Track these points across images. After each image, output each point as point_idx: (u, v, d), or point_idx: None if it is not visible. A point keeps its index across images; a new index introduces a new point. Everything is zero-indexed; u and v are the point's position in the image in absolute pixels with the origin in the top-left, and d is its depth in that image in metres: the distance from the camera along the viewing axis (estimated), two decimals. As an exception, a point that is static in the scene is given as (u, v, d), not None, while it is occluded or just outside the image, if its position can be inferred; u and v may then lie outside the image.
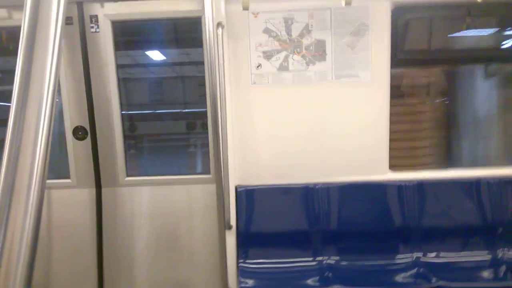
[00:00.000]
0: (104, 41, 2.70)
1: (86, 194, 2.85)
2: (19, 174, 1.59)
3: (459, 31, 3.01)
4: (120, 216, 2.87)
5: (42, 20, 1.77)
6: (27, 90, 1.68)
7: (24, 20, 1.75)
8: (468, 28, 3.00)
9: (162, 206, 2.85)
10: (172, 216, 2.85)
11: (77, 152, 2.80)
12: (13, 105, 1.67)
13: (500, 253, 2.62)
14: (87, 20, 2.67)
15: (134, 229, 2.87)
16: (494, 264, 2.55)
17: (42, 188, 1.63)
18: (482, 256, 2.61)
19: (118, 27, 2.74)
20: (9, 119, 1.66)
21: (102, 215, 2.85)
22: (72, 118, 2.77)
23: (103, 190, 2.84)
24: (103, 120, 2.78)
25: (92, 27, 2.68)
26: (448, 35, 3.06)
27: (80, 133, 2.78)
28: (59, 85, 2.69)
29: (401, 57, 2.77)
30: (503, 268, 2.50)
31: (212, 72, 2.42)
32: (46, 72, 1.73)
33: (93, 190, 2.84)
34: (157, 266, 2.87)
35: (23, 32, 1.74)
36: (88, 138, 2.79)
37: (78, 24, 2.65)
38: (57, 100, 1.87)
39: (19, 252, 1.53)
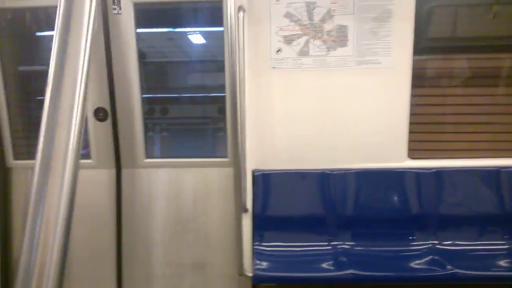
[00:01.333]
0: (126, 23, 2.72)
1: (106, 175, 2.91)
2: (55, 153, 1.64)
3: (485, 19, 2.95)
4: (139, 197, 2.92)
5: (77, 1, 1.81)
6: (63, 70, 1.72)
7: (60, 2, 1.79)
8: (495, 16, 2.93)
9: (180, 188, 2.89)
10: (189, 198, 2.89)
11: (97, 133, 2.85)
12: (49, 85, 1.71)
13: None
14: (109, 1, 2.69)
15: (152, 210, 2.93)
16: (511, 254, 2.54)
17: (76, 166, 1.67)
18: (499, 245, 2.60)
19: (140, 9, 2.76)
20: (45, 98, 1.70)
21: (121, 195, 2.91)
22: (94, 99, 2.82)
23: (123, 171, 2.90)
24: (123, 102, 2.82)
25: (115, 8, 2.71)
26: (474, 23, 3.00)
27: (101, 114, 2.83)
28: None
29: (424, 45, 2.73)
30: None
31: (232, 56, 2.43)
32: (81, 51, 1.77)
33: (113, 171, 2.90)
34: (173, 247, 2.93)
35: (59, 13, 1.78)
36: (109, 120, 2.83)
37: (101, 5, 2.68)
38: None
39: (55, 229, 1.59)
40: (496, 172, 2.71)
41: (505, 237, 2.63)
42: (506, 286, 2.52)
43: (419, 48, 2.69)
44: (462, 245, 2.61)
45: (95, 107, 2.82)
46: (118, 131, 2.85)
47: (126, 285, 2.96)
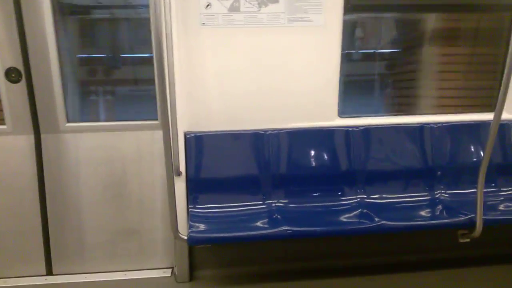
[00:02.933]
0: None
1: (24, 141, 2.68)
2: None
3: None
4: (63, 163, 2.74)
5: None
6: None
7: None
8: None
9: (108, 153, 2.74)
10: (119, 163, 2.76)
11: (11, 96, 2.59)
12: None
13: (437, 194, 2.78)
14: None
15: (79, 176, 2.76)
16: (432, 204, 2.72)
17: None
18: (421, 197, 2.77)
19: None
20: None
21: (42, 162, 2.70)
22: (4, 58, 2.54)
23: (42, 136, 2.68)
24: (39, 61, 2.57)
25: None
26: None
27: (13, 75, 2.56)
28: None
29: (355, 2, 2.73)
30: (439, 207, 2.67)
31: (156, 10, 2.26)
32: None
33: (32, 137, 2.67)
34: (105, 214, 2.81)
35: None
36: (23, 81, 2.58)
37: None
38: None
39: None
40: (419, 128, 2.84)
41: (427, 189, 2.81)
42: (428, 234, 2.73)
43: (349, 6, 2.68)
44: (388, 198, 2.75)
45: (6, 67, 2.55)
46: (34, 94, 2.61)
47: (55, 254, 2.81)
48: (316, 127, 2.78)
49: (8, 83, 2.57)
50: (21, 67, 2.56)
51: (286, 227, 2.30)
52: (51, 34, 2.54)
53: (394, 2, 2.97)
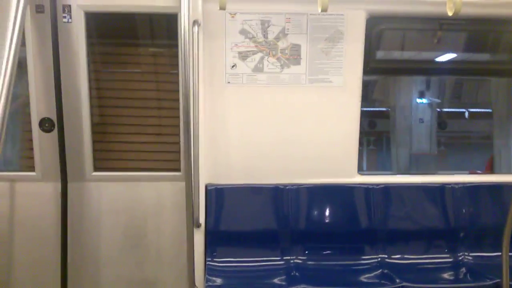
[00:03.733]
0: (76, 32, 2.65)
1: (51, 188, 2.76)
2: None
3: (430, 44, 3.13)
4: (86, 211, 2.80)
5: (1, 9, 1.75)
6: None
7: None
8: (438, 42, 3.12)
9: (130, 202, 2.80)
10: (140, 213, 2.80)
11: (43, 144, 2.72)
12: None
13: (460, 256, 2.71)
14: (59, 9, 2.62)
15: (100, 225, 2.80)
16: (455, 266, 2.64)
17: None
18: (444, 258, 2.70)
19: (91, 18, 2.70)
20: None
21: (67, 210, 2.77)
22: (39, 109, 2.70)
23: (69, 184, 2.77)
24: (71, 112, 2.72)
25: (65, 17, 2.63)
26: (419, 47, 3.17)
27: (46, 125, 2.71)
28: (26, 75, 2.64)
29: (373, 65, 2.85)
30: (463, 270, 2.59)
31: (186, 70, 2.41)
32: (5, 54, 1.70)
33: (59, 184, 2.76)
34: (123, 264, 2.81)
35: None
36: (55, 131, 2.72)
37: (50, 12, 2.60)
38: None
39: None
40: (440, 188, 2.83)
41: (450, 250, 2.74)
42: None
43: (368, 69, 2.79)
44: (410, 258, 2.68)
45: (41, 118, 2.70)
46: (64, 143, 2.73)
47: None
48: (335, 184, 2.79)
49: (41, 132, 2.71)
50: (54, 118, 2.71)
51: (304, 286, 2.26)
52: (84, 87, 2.71)
53: (409, 66, 3.08)
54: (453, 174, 2.96)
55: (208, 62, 2.68)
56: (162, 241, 2.80)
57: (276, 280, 2.42)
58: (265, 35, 2.71)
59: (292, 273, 2.47)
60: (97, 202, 2.80)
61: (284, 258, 2.63)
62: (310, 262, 2.62)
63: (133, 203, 2.80)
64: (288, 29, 2.71)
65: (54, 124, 2.72)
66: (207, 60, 2.67)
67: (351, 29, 2.71)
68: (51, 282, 2.77)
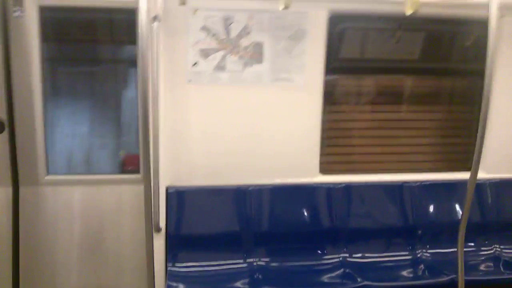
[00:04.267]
0: (29, 28, 2.49)
1: (2, 194, 2.61)
2: None
3: (390, 43, 3.17)
4: (40, 217, 2.66)
5: None
6: None
7: None
8: (398, 41, 3.17)
9: (87, 207, 2.69)
10: (97, 218, 2.70)
11: None
12: None
13: (419, 253, 2.78)
14: (9, 2, 2.45)
15: (55, 231, 2.68)
16: (414, 263, 2.71)
17: None
18: (403, 256, 2.76)
19: (47, 13, 2.55)
20: None
21: (19, 216, 2.62)
22: None
23: (21, 189, 2.62)
24: (23, 112, 2.57)
25: (15, 10, 2.47)
26: (380, 46, 3.21)
27: None
28: None
29: (335, 65, 2.85)
30: (421, 267, 2.66)
31: (144, 67, 2.32)
32: None
33: (10, 189, 2.61)
34: (80, 272, 2.70)
35: None
36: (5, 132, 2.56)
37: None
38: None
39: None
40: (399, 187, 2.89)
41: (409, 247, 2.81)
42: None
43: (330, 68, 2.80)
44: (371, 257, 2.73)
45: None
46: (16, 145, 2.58)
47: None
48: (298, 184, 2.79)
49: None
50: (4, 118, 2.55)
51: None
52: (37, 86, 2.56)
53: (373, 65, 3.11)
54: (412, 172, 3.02)
55: (168, 60, 2.60)
56: (121, 247, 2.71)
57: (239, 284, 2.40)
58: (227, 33, 2.65)
59: (255, 276, 2.46)
60: (52, 207, 2.67)
61: (247, 260, 2.61)
62: (273, 264, 2.61)
63: (90, 208, 2.69)
64: (250, 26, 2.67)
65: (4, 125, 2.56)
66: (167, 57, 2.59)
67: (314, 27, 2.70)
68: None
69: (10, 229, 2.61)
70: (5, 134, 2.57)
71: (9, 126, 2.57)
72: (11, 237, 2.61)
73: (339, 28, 2.83)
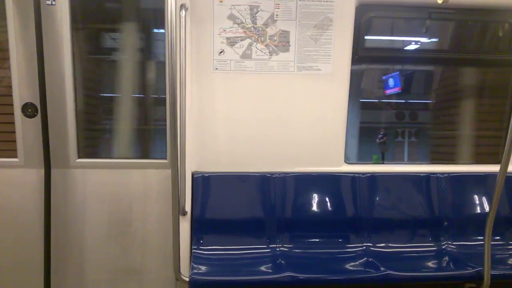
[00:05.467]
0: (61, 15, 2.58)
1: (35, 175, 2.71)
2: None
3: (419, 32, 3.12)
4: (71, 199, 2.76)
5: None
6: None
7: None
8: (427, 31, 3.11)
9: (115, 190, 2.76)
10: (125, 200, 2.77)
11: (25, 130, 2.66)
12: None
13: (444, 245, 2.75)
14: None
15: (85, 213, 2.77)
16: (438, 255, 2.68)
17: None
18: (428, 247, 2.73)
19: (77, 1, 2.62)
20: None
21: (50, 197, 2.73)
22: (22, 94, 2.63)
23: (53, 171, 2.72)
24: (55, 98, 2.66)
25: None
26: (408, 36, 3.17)
27: (29, 110, 2.64)
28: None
29: (362, 54, 2.83)
30: (446, 259, 2.62)
31: (172, 55, 2.37)
32: None
33: (42, 171, 2.71)
34: (108, 252, 2.79)
35: None
36: (39, 116, 2.66)
37: None
38: None
39: None
40: (426, 178, 2.85)
41: (434, 239, 2.77)
42: (434, 286, 2.66)
43: (356, 57, 2.78)
44: (394, 247, 2.71)
45: (24, 103, 2.64)
46: (48, 129, 2.68)
47: None
48: (322, 172, 2.80)
49: (24, 117, 2.65)
50: (37, 103, 2.65)
51: (289, 273, 2.27)
52: (69, 72, 2.65)
53: (399, 55, 3.07)
54: (439, 164, 2.98)
55: (195, 48, 2.63)
56: (148, 228, 2.78)
57: (262, 268, 2.42)
58: (253, 21, 2.67)
59: (278, 261, 2.48)
60: (82, 189, 2.76)
61: (270, 246, 2.64)
62: (296, 250, 2.63)
63: (119, 191, 2.76)
64: (277, 15, 2.67)
65: (38, 109, 2.66)
66: (194, 45, 2.63)
67: (340, 16, 2.69)
68: (35, 270, 2.73)
69: (42, 209, 2.71)
70: (38, 118, 2.66)
71: (42, 110, 2.66)
72: (43, 216, 2.71)
73: (367, 17, 2.79)
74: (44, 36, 2.59)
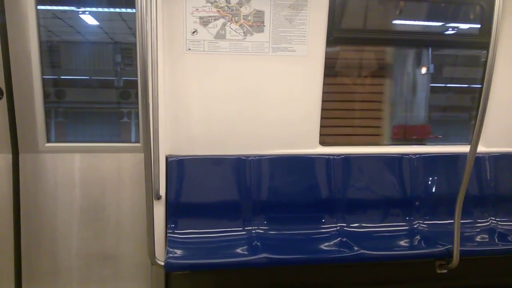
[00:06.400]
0: None
1: (2, 160, 2.62)
2: None
3: (393, 14, 3.12)
4: (41, 184, 2.68)
5: None
6: None
7: None
8: (400, 12, 3.12)
9: (87, 174, 2.70)
10: (98, 185, 2.71)
11: None
12: None
13: (416, 224, 2.82)
14: None
15: (56, 198, 2.70)
16: (410, 234, 2.74)
17: None
18: (400, 226, 2.80)
19: None
20: None
21: (19, 183, 2.64)
22: None
23: (21, 156, 2.63)
24: (21, 80, 2.55)
25: None
26: (383, 17, 3.16)
27: None
28: None
29: (337, 35, 2.81)
30: (417, 238, 2.70)
31: (143, 35, 2.28)
32: None
33: (10, 156, 2.62)
34: (81, 237, 2.74)
35: None
36: (4, 99, 2.54)
37: None
38: None
39: None
40: (398, 159, 2.90)
41: (406, 218, 2.84)
42: (406, 264, 2.73)
43: (330, 39, 2.76)
44: (368, 227, 2.76)
45: None
46: (15, 113, 2.57)
47: (26, 277, 2.71)
48: (297, 154, 2.80)
49: None
50: (2, 85, 2.53)
51: (265, 255, 2.28)
52: (35, 55, 2.54)
53: (374, 36, 3.07)
54: (411, 145, 3.03)
55: (167, 27, 2.56)
56: (122, 213, 2.74)
57: (238, 250, 2.43)
58: (227, 0, 2.60)
59: (254, 243, 2.49)
60: (52, 175, 2.68)
61: (246, 228, 2.64)
62: (271, 232, 2.64)
63: (91, 175, 2.70)
64: None
65: (3, 92, 2.55)
66: (166, 25, 2.55)
67: None
68: (5, 258, 2.66)
69: (11, 195, 2.63)
70: (4, 102, 2.55)
71: (8, 93, 2.55)
72: (12, 203, 2.63)
73: None
74: (7, 14, 2.46)
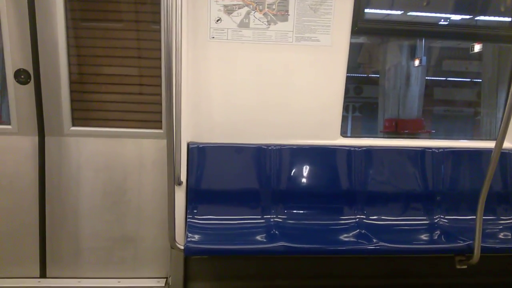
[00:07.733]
0: None
1: (28, 142, 2.69)
2: None
3: (420, 5, 3.06)
4: (65, 167, 2.75)
5: None
6: None
7: None
8: (428, 4, 3.05)
9: (110, 159, 2.75)
10: (120, 170, 2.76)
11: (18, 96, 2.62)
12: None
13: (436, 219, 2.78)
14: None
15: (79, 181, 2.77)
16: (430, 228, 2.71)
17: None
18: (420, 220, 2.77)
19: None
20: None
21: (45, 164, 2.71)
22: (14, 60, 2.58)
23: (47, 138, 2.70)
24: (48, 64, 2.61)
25: None
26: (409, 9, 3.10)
27: (22, 76, 2.60)
28: None
29: (361, 25, 2.78)
30: (437, 232, 2.66)
31: (168, 22, 2.30)
32: None
33: (36, 138, 2.69)
34: (103, 220, 2.80)
35: None
36: (31, 83, 2.61)
37: None
38: None
39: None
40: (421, 152, 2.86)
41: (426, 213, 2.80)
42: (425, 258, 2.71)
43: (355, 29, 2.73)
44: (387, 220, 2.74)
45: (16, 69, 2.59)
46: (41, 96, 2.64)
47: (50, 258, 2.79)
48: (318, 145, 2.79)
49: (17, 84, 2.60)
50: (30, 69, 2.60)
51: (283, 243, 2.29)
52: (62, 39, 2.59)
53: (400, 27, 3.01)
54: (435, 139, 2.98)
55: (191, 15, 2.57)
56: (143, 198, 2.79)
57: (256, 238, 2.45)
58: None
59: (272, 231, 2.50)
60: (76, 158, 2.74)
61: (265, 216, 2.66)
62: (289, 221, 2.65)
63: (114, 160, 2.75)
64: None
65: (30, 76, 2.61)
66: (191, 13, 2.56)
67: None
68: (30, 238, 2.75)
69: (36, 176, 2.70)
70: (31, 85, 2.62)
71: (35, 77, 2.61)
72: (37, 184, 2.71)
73: None
74: (36, 2, 2.51)
